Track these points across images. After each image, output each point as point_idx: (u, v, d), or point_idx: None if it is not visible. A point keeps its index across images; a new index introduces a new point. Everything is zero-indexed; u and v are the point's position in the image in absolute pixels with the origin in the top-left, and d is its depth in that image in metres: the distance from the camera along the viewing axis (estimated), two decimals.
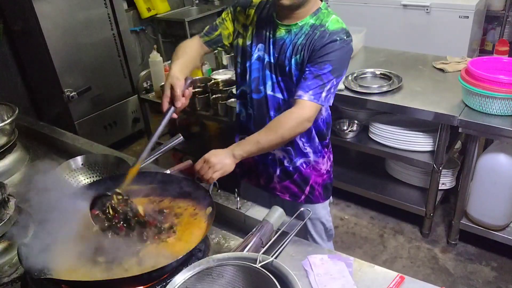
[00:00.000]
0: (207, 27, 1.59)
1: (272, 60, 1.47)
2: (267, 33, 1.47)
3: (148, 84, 2.91)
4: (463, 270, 2.36)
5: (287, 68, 1.45)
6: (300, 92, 1.36)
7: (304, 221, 1.28)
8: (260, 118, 1.55)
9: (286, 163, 1.62)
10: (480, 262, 2.39)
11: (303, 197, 1.69)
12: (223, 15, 1.57)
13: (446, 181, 2.66)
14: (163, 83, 2.70)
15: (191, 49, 1.53)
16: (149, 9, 4.27)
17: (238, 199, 1.39)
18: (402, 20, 3.51)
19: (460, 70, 2.32)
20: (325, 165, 1.67)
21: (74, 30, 3.13)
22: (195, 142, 3.13)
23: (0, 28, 3.13)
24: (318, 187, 1.69)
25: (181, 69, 1.39)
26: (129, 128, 3.75)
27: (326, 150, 1.66)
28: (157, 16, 4.36)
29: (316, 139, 1.59)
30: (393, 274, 1.12)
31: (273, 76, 1.49)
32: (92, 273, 1.06)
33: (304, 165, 1.62)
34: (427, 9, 3.37)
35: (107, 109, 3.52)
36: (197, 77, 2.73)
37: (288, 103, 1.48)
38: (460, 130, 2.16)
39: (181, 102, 1.33)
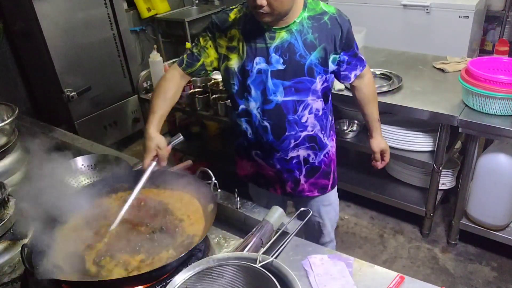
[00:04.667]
0: (185, 56, 1.53)
1: (278, 67, 1.44)
2: (263, 43, 1.43)
3: (148, 84, 2.91)
4: (463, 270, 2.36)
5: (305, 67, 1.44)
6: (353, 73, 1.60)
7: (304, 221, 1.28)
8: (279, 125, 1.53)
9: (311, 160, 1.64)
10: (480, 262, 2.39)
11: (329, 186, 1.74)
12: (202, 42, 1.52)
13: (446, 181, 2.65)
14: None
15: (170, 93, 1.48)
16: (149, 9, 4.27)
17: (238, 199, 1.39)
18: (402, 20, 3.50)
19: (460, 70, 2.32)
20: (334, 147, 1.74)
21: (74, 30, 3.13)
22: (195, 142, 3.14)
23: (0, 28, 3.13)
24: (335, 170, 1.76)
25: (159, 128, 1.39)
26: (129, 128, 3.75)
27: (332, 132, 1.71)
28: (157, 16, 4.36)
29: (329, 125, 1.65)
30: (393, 274, 1.12)
31: (284, 82, 1.46)
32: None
33: (327, 155, 1.67)
34: (427, 9, 3.37)
35: (107, 109, 3.51)
36: (197, 77, 2.73)
37: (305, 102, 1.50)
38: (460, 130, 2.16)
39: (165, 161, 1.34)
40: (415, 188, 2.71)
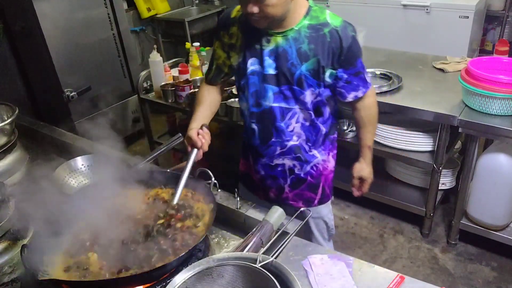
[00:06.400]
0: (209, 62, 1.60)
1: (269, 71, 1.41)
2: (258, 45, 1.41)
3: (148, 84, 2.91)
4: (463, 270, 2.36)
5: (295, 76, 1.40)
6: (353, 94, 1.49)
7: (304, 221, 1.28)
8: (265, 131, 1.51)
9: (297, 171, 1.58)
10: (480, 262, 2.39)
11: (316, 200, 1.66)
12: (214, 45, 1.55)
13: (446, 181, 2.65)
14: (163, 83, 2.73)
15: (202, 98, 1.57)
16: (149, 9, 4.27)
17: (238, 199, 1.39)
18: (402, 20, 3.51)
19: (460, 70, 2.32)
20: (331, 162, 1.66)
21: (74, 30, 3.13)
22: None
23: (0, 28, 3.13)
24: (328, 186, 1.68)
25: (197, 123, 1.46)
26: (129, 128, 3.75)
27: (331, 146, 1.63)
28: (157, 16, 4.36)
29: (321, 139, 1.57)
30: (393, 274, 1.12)
31: (274, 87, 1.43)
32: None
33: (315, 168, 1.60)
34: (427, 9, 3.37)
35: (107, 109, 3.52)
36: (197, 77, 2.73)
37: (293, 110, 1.46)
38: (460, 130, 2.16)
39: (201, 143, 1.38)
40: (415, 188, 2.71)
